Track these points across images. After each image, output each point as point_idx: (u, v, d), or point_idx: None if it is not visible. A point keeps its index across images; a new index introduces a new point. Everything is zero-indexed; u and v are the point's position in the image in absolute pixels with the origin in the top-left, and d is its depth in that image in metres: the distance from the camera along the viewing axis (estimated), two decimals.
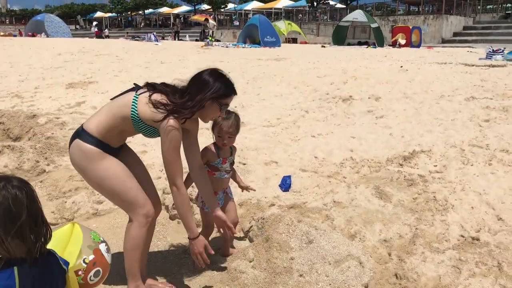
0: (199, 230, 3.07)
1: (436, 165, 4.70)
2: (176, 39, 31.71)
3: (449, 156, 4.86)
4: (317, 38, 35.99)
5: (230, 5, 65.23)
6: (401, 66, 9.78)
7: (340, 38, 24.32)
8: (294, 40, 31.88)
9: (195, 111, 2.67)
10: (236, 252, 3.51)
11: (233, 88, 2.82)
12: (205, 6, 67.33)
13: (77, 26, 71.03)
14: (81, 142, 2.67)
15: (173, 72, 10.25)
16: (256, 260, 3.20)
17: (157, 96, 2.65)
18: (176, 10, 66.48)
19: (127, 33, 34.42)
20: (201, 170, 2.99)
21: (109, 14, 76.64)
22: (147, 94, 2.66)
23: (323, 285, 2.93)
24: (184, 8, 67.93)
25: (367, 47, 21.39)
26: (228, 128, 3.19)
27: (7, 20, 74.72)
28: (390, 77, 8.46)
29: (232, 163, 3.42)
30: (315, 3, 50.73)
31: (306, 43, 30.20)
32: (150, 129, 2.69)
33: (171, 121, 2.57)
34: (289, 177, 4.63)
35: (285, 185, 4.51)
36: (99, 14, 78.69)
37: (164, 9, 69.29)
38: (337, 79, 8.63)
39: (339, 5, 44.83)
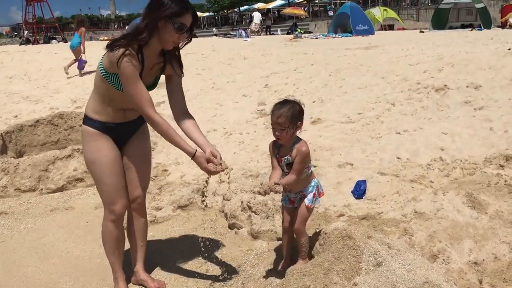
0: None
1: None
2: (268, 33, 31.56)
3: None
4: (417, 24, 33.78)
5: None
6: (509, 49, 8.55)
7: (440, 22, 22.43)
8: (391, 27, 30.17)
9: (149, 34, 2.53)
10: (300, 265, 3.06)
11: (188, 6, 2.58)
12: None
13: None
14: (82, 126, 2.83)
15: (254, 68, 9.97)
16: (312, 285, 2.73)
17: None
18: (271, 5, 66.54)
19: (215, 34, 34.85)
20: (185, 116, 2.76)
21: (207, 14, 79.02)
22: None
23: None
24: (279, 2, 67.82)
25: (471, 30, 19.48)
26: (276, 117, 2.77)
27: (115, 25, 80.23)
28: (494, 61, 7.37)
29: (290, 165, 2.92)
30: None
31: (403, 29, 28.43)
32: (119, 78, 2.59)
33: (123, 57, 2.49)
34: (364, 182, 4.06)
35: (359, 191, 3.95)
36: (197, 13, 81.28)
37: (259, 5, 69.73)
38: (431, 67, 7.72)
39: None
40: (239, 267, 3.27)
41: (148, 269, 3.23)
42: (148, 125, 2.82)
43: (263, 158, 5.00)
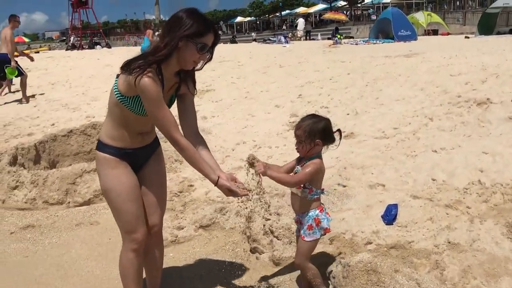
0: None
1: None
2: (308, 38, 31.31)
3: None
4: (464, 28, 32.73)
5: (367, 0, 63.04)
6: None
7: (487, 26, 21.52)
8: (435, 32, 29.26)
9: (168, 53, 2.45)
10: None
11: (210, 25, 2.51)
12: (341, 3, 66.12)
13: (220, 32, 74.83)
14: (96, 152, 2.73)
15: (289, 76, 9.81)
16: None
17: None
18: (312, 9, 66.28)
19: (255, 39, 35.01)
20: (196, 138, 2.68)
21: (248, 18, 79.50)
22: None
23: None
24: (321, 6, 67.48)
25: None
26: (296, 128, 2.75)
27: (159, 30, 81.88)
28: None
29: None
30: None
31: (448, 34, 27.52)
32: (139, 101, 2.50)
33: (143, 77, 2.38)
34: (395, 206, 3.83)
35: (389, 216, 3.73)
36: (239, 19, 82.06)
37: (301, 9, 69.60)
38: (474, 77, 7.33)
39: None
40: None
41: None
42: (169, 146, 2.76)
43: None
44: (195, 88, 2.74)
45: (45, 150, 6.23)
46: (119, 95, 2.54)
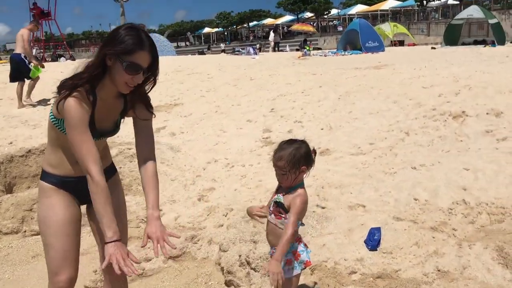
0: None
1: None
2: (277, 50, 31.31)
3: None
4: (428, 38, 33.40)
5: (334, 11, 63.89)
6: None
7: (453, 37, 21.94)
8: (401, 43, 29.74)
9: (93, 72, 2.17)
10: None
11: (142, 43, 2.16)
12: (308, 14, 66.80)
13: (187, 43, 74.42)
14: (39, 181, 2.46)
15: (260, 89, 9.59)
16: None
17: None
18: (280, 21, 66.70)
19: (223, 50, 34.99)
20: (144, 168, 2.33)
21: (216, 29, 79.39)
22: None
23: None
24: (288, 17, 67.97)
25: (484, 46, 18.99)
26: (276, 160, 2.42)
27: None
28: None
29: (277, 204, 2.47)
30: (424, 2, 47.46)
31: (414, 44, 27.99)
32: None
33: (68, 98, 2.13)
34: (378, 229, 3.61)
35: (373, 241, 3.50)
36: (207, 29, 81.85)
37: (268, 20, 70.00)
38: (447, 89, 7.28)
39: (451, 1, 41.28)
40: None
41: None
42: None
43: (266, 197, 4.56)
44: (150, 111, 2.39)
45: (0, 172, 5.78)
46: (52, 117, 2.29)
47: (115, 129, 2.42)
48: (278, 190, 2.54)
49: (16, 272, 3.90)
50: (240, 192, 4.78)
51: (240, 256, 3.37)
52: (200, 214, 4.32)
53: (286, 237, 2.34)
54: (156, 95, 10.30)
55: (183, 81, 11.64)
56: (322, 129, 6.55)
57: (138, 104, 2.35)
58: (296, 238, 2.52)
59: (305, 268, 2.64)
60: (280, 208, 2.45)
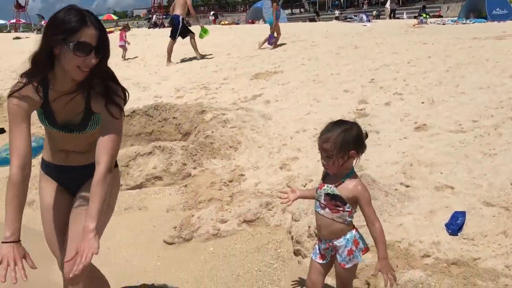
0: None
1: None
2: (392, 17, 29.72)
3: None
4: None
5: None
6: None
7: None
8: None
9: (46, 64, 2.02)
10: None
11: (82, 19, 1.98)
12: None
13: (301, 10, 73.51)
14: None
15: (364, 58, 9.22)
16: None
17: None
18: None
19: (337, 17, 33.95)
20: (96, 169, 2.06)
21: None
22: None
23: None
24: None
25: None
26: (322, 142, 2.22)
27: (242, 8, 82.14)
28: None
29: (330, 196, 2.27)
30: None
31: None
32: (40, 112, 2.19)
33: (12, 94, 2.07)
34: (462, 214, 3.35)
35: (455, 225, 3.26)
36: None
37: None
38: None
39: None
40: None
41: None
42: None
43: None
44: (110, 112, 2.11)
45: None
46: None
47: (84, 123, 2.21)
48: (325, 179, 2.34)
49: (110, 222, 4.26)
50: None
51: (309, 227, 3.35)
52: (279, 182, 4.35)
53: (382, 232, 2.21)
54: (258, 62, 10.43)
55: (287, 48, 11.59)
56: (423, 102, 6.14)
57: (97, 99, 2.15)
58: (353, 227, 2.39)
59: (363, 253, 2.50)
60: (336, 201, 2.26)
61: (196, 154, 5.11)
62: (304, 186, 4.22)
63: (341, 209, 2.26)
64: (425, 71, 7.57)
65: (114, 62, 12.55)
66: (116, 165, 2.44)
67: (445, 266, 2.89)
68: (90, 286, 2.29)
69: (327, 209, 2.30)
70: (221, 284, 3.17)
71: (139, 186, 4.83)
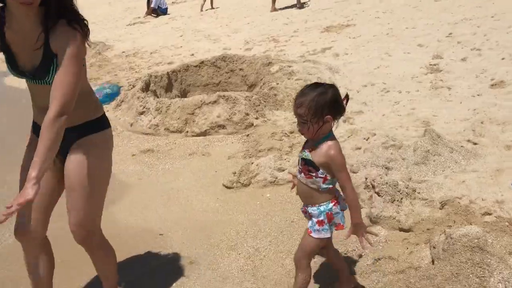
0: None
1: None
2: None
3: None
4: None
5: None
6: None
7: None
8: None
9: None
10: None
11: None
12: None
13: None
14: None
15: (443, 11, 8.67)
16: None
17: None
18: None
19: None
20: (48, 118, 1.88)
21: None
22: None
23: None
24: None
25: None
26: (296, 107, 2.11)
27: None
28: None
29: (305, 161, 2.19)
30: None
31: None
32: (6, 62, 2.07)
33: None
34: None
35: None
36: None
37: None
38: None
39: None
40: (345, 253, 2.89)
41: (255, 236, 3.08)
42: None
43: (414, 126, 4.31)
44: (72, 27, 1.91)
45: (177, 79, 6.50)
46: None
47: (44, 67, 1.97)
48: (305, 145, 2.26)
49: (175, 165, 4.47)
50: (387, 118, 4.58)
51: (366, 179, 3.32)
52: (341, 135, 4.30)
53: (353, 197, 2.14)
54: (331, 15, 10.16)
55: (361, 1, 11.14)
56: (503, 58, 5.74)
57: (56, 37, 1.91)
58: (332, 199, 2.24)
59: (336, 230, 2.33)
60: (309, 166, 2.17)
61: (259, 105, 5.16)
62: (367, 140, 4.15)
63: (314, 174, 2.17)
64: (510, 25, 7.01)
65: (188, 15, 12.76)
66: (108, 125, 2.29)
67: (507, 225, 2.77)
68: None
69: (302, 174, 2.23)
70: (275, 227, 3.26)
71: (204, 134, 4.98)
